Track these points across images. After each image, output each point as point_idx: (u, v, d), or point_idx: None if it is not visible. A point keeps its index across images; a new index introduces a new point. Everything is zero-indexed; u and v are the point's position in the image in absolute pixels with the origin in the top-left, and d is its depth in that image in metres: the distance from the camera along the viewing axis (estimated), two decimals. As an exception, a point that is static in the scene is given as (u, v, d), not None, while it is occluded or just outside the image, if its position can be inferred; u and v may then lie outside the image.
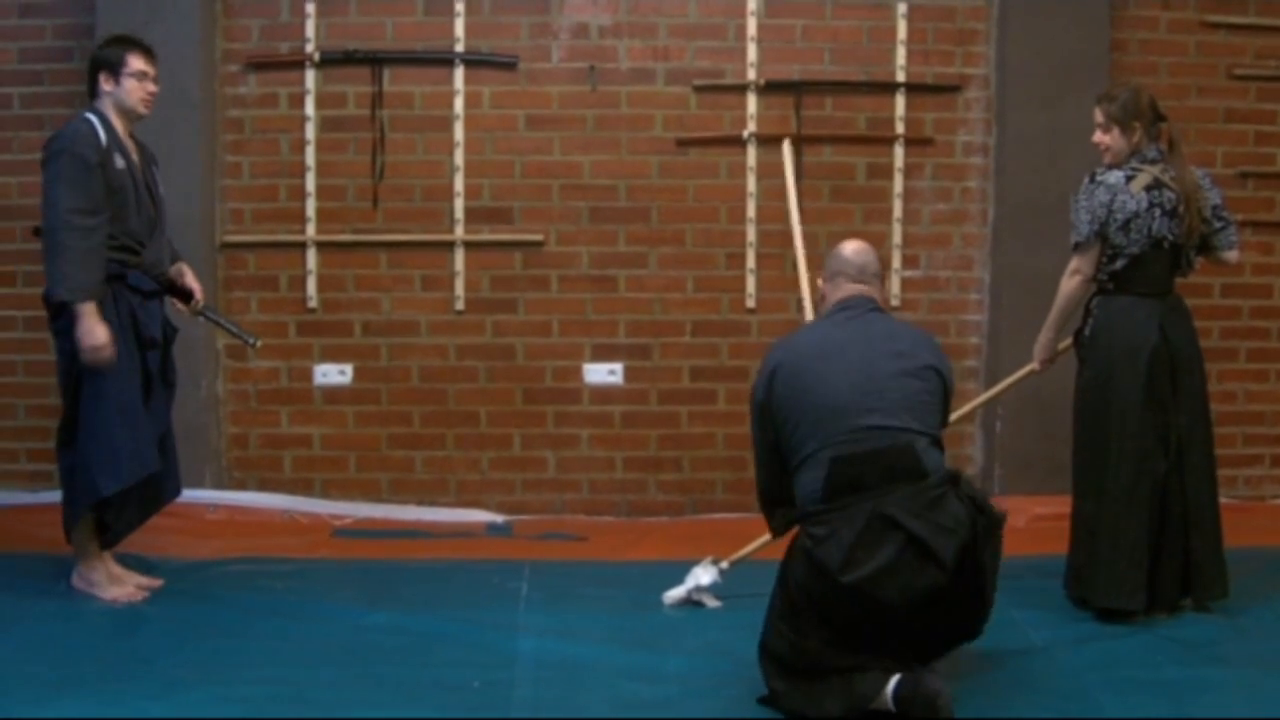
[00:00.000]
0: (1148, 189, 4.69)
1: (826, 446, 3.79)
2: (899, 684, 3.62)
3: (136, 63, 4.86)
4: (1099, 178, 4.74)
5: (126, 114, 4.88)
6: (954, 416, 5.33)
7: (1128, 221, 4.68)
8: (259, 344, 5.36)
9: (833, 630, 3.73)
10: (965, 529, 3.69)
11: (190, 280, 5.12)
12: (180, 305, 5.10)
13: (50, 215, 4.66)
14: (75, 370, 4.74)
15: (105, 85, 4.85)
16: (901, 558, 3.64)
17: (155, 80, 4.95)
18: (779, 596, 3.89)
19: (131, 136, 4.93)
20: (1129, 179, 4.70)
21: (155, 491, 5.05)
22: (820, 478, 3.78)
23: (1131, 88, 4.86)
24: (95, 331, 4.64)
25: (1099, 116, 4.78)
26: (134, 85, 4.86)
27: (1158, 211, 4.69)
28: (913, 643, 3.80)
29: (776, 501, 4.07)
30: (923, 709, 3.57)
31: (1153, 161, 4.74)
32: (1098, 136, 4.79)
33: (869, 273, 4.14)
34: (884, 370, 3.88)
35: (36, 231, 4.88)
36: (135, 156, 4.88)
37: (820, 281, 4.24)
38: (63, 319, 4.71)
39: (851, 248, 4.19)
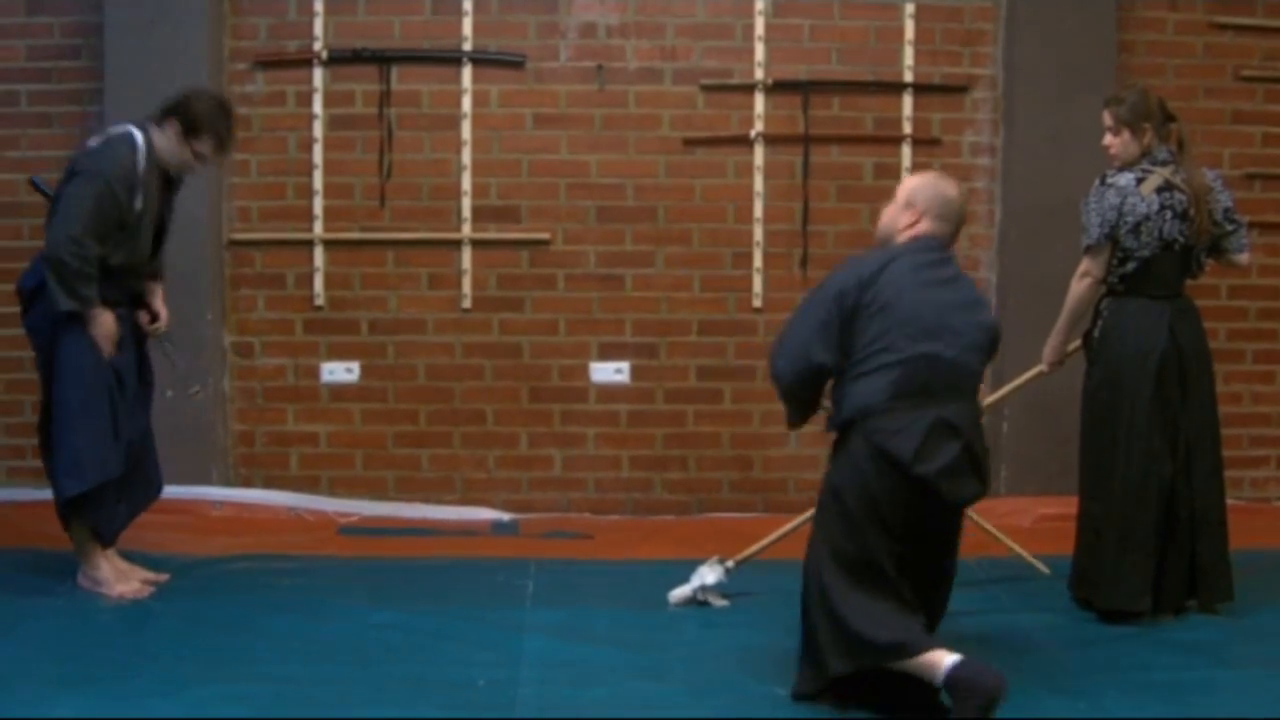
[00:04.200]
0: (1158, 191, 4.68)
1: (903, 354, 3.85)
2: (959, 664, 3.62)
3: (206, 148, 4.84)
4: (1109, 180, 4.73)
5: (165, 160, 4.86)
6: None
7: (1138, 224, 4.67)
8: (198, 392, 5.26)
9: (890, 540, 3.81)
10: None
11: (159, 303, 5.09)
12: (145, 320, 5.06)
13: (59, 229, 4.65)
14: (48, 371, 4.79)
15: (170, 129, 4.80)
16: (957, 462, 3.82)
17: (208, 164, 5.01)
18: (832, 517, 3.90)
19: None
20: (1139, 181, 4.69)
21: (144, 488, 5.08)
22: (891, 379, 3.84)
23: (1140, 89, 4.85)
24: (105, 324, 4.75)
25: (1108, 120, 4.77)
26: (190, 158, 4.85)
27: (1169, 214, 4.68)
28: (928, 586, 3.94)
29: (807, 387, 4.03)
30: (978, 697, 3.58)
31: (1163, 163, 4.72)
32: (1107, 140, 4.78)
33: (958, 224, 4.17)
34: (965, 317, 3.96)
35: (32, 183, 5.07)
36: (156, 189, 4.85)
37: (903, 207, 4.12)
38: (35, 313, 4.76)
39: (960, 198, 4.16)
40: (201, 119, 4.80)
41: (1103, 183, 4.74)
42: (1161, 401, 4.71)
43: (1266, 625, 4.72)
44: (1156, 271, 4.73)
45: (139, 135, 4.79)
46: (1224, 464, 4.89)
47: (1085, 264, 4.79)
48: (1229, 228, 4.81)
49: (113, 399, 4.84)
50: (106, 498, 4.86)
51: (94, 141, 4.85)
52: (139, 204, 4.76)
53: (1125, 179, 4.70)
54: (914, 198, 4.10)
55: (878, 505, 3.82)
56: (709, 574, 4.95)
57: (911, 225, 4.08)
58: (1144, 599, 4.66)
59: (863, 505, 3.84)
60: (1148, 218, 4.66)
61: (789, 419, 4.14)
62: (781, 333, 4.08)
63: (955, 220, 4.12)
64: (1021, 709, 3.88)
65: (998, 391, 5.60)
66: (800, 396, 4.06)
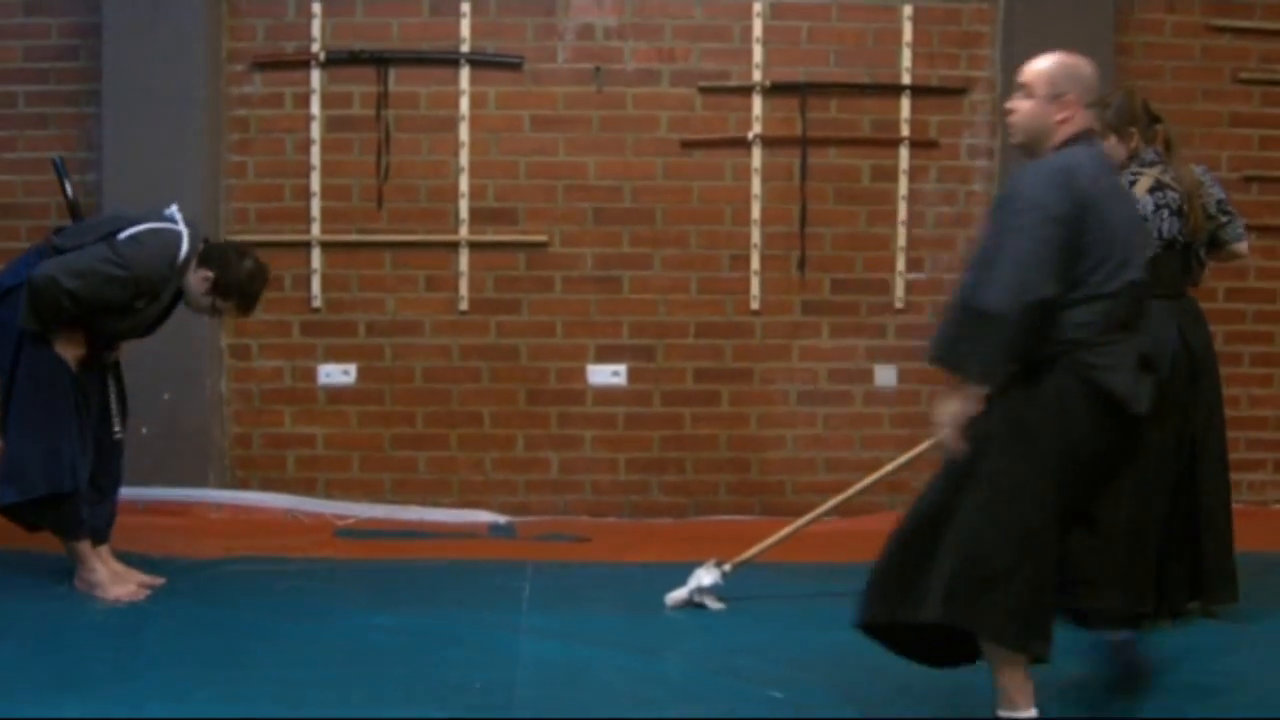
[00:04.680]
0: (1151, 191, 4.68)
1: (1114, 284, 3.49)
2: None
3: (227, 307, 4.82)
4: (1102, 185, 4.72)
5: (185, 292, 4.82)
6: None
7: (1136, 226, 4.66)
8: (119, 435, 5.17)
9: (1072, 484, 3.55)
10: None
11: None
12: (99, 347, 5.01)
13: (59, 269, 4.58)
14: (10, 376, 4.75)
15: (203, 276, 4.73)
16: (1154, 403, 3.59)
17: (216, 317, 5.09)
18: (1017, 456, 3.49)
19: None
20: (1131, 184, 4.68)
21: (112, 493, 5.03)
22: (1103, 310, 3.48)
23: (1124, 92, 4.84)
24: (71, 343, 4.72)
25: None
26: (207, 307, 4.83)
27: (1165, 212, 4.67)
28: None
29: (1031, 325, 3.43)
30: None
31: (1151, 164, 4.72)
32: (1095, 145, 4.77)
33: (1100, 109, 3.78)
34: (1140, 230, 3.75)
35: (53, 163, 5.09)
36: (170, 295, 4.80)
37: (1049, 100, 3.59)
38: (4, 311, 4.71)
39: (1097, 73, 3.66)
40: (233, 285, 4.76)
41: (1096, 188, 4.73)
42: (1170, 402, 4.69)
43: (1267, 628, 4.71)
44: (1160, 272, 4.70)
45: (184, 251, 4.72)
46: (1229, 465, 4.88)
47: (1085, 269, 4.76)
48: (1224, 219, 4.81)
49: (78, 411, 4.78)
50: (64, 507, 4.76)
51: (149, 225, 4.73)
52: (141, 304, 4.72)
53: (1118, 183, 4.70)
54: (1060, 85, 3.57)
55: (1075, 446, 3.49)
56: (705, 576, 4.95)
57: (1068, 120, 3.58)
58: (1148, 601, 4.65)
59: (1060, 443, 3.47)
60: (1145, 218, 4.66)
61: (985, 369, 3.47)
62: (979, 263, 3.49)
63: (1098, 106, 3.69)
64: (1019, 712, 3.88)
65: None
66: (1017, 337, 3.43)
